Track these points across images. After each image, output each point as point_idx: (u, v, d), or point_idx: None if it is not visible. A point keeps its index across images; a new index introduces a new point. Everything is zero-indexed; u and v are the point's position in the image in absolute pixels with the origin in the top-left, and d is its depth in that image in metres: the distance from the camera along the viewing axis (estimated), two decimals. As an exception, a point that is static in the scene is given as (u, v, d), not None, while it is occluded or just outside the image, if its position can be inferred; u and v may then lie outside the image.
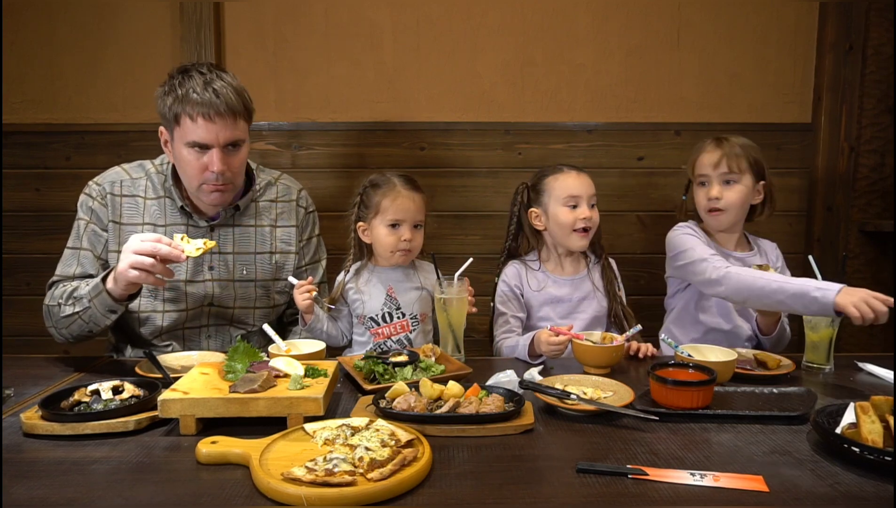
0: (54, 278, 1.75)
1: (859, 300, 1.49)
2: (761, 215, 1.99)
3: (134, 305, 1.75)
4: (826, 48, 2.48)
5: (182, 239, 1.53)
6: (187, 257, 1.50)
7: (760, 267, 1.76)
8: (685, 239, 1.93)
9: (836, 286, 1.54)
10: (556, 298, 1.96)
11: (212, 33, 2.42)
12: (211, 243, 1.54)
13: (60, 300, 1.65)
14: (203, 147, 1.65)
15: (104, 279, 1.57)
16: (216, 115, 1.61)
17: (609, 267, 2.04)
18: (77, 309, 1.61)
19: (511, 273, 1.99)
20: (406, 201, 1.82)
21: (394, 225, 1.82)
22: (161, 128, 1.72)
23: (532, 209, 1.99)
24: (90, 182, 1.80)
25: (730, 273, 1.73)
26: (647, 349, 1.75)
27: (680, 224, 2.02)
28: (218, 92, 1.62)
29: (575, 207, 1.92)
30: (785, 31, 2.51)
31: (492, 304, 2.01)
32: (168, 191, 1.79)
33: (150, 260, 1.46)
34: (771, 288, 1.65)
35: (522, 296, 1.97)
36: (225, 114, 1.62)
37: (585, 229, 1.93)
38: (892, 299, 1.49)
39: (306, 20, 2.48)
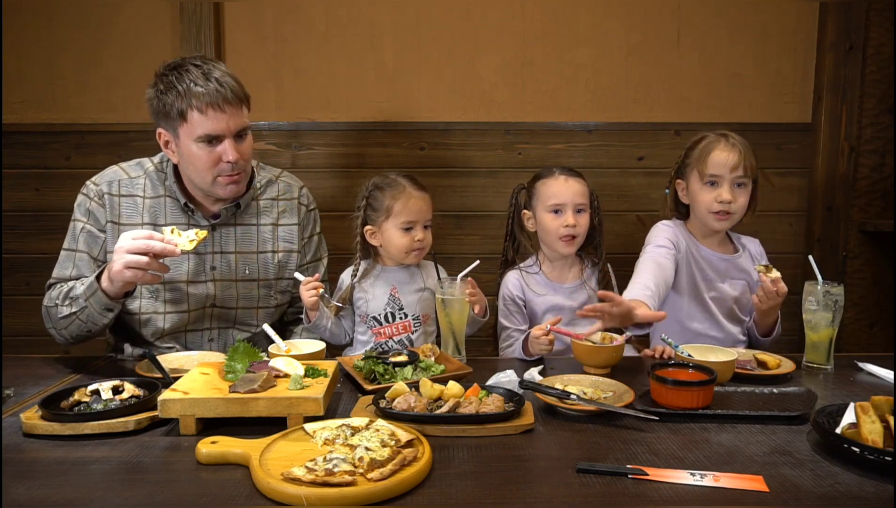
0: (51, 281, 1.74)
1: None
2: (747, 215, 1.90)
3: (135, 306, 1.75)
4: (826, 48, 2.48)
5: (172, 232, 1.51)
6: (181, 250, 1.48)
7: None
8: (655, 234, 1.91)
9: None
10: (557, 306, 1.92)
11: (212, 33, 2.42)
12: (203, 234, 1.52)
13: (58, 301, 1.64)
14: (214, 139, 1.63)
15: (98, 278, 1.55)
16: (225, 103, 1.60)
17: (607, 275, 1.99)
18: (74, 309, 1.60)
19: (512, 283, 1.96)
20: (418, 202, 1.83)
21: (408, 228, 1.82)
22: (160, 130, 1.70)
23: (525, 211, 1.99)
24: (87, 182, 1.78)
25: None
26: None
27: (664, 222, 1.96)
28: (221, 81, 1.61)
29: (558, 212, 1.89)
30: (785, 31, 2.51)
31: (497, 314, 2.00)
32: (169, 190, 1.77)
33: (145, 258, 1.45)
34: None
35: (525, 306, 1.95)
36: (232, 101, 1.62)
37: (572, 236, 1.89)
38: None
39: (306, 20, 2.48)
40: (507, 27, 2.49)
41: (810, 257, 1.71)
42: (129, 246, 1.45)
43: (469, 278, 1.70)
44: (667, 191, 2.02)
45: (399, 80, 2.52)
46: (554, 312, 1.91)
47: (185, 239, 1.50)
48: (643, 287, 1.69)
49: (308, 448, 1.08)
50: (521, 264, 2.00)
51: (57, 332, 1.69)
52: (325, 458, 1.00)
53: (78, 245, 1.74)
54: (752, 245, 2.02)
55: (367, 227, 1.87)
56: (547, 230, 1.92)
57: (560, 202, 1.89)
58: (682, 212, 1.99)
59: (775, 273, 1.71)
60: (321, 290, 1.73)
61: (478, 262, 1.74)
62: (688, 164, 1.92)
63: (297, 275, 1.78)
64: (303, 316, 1.81)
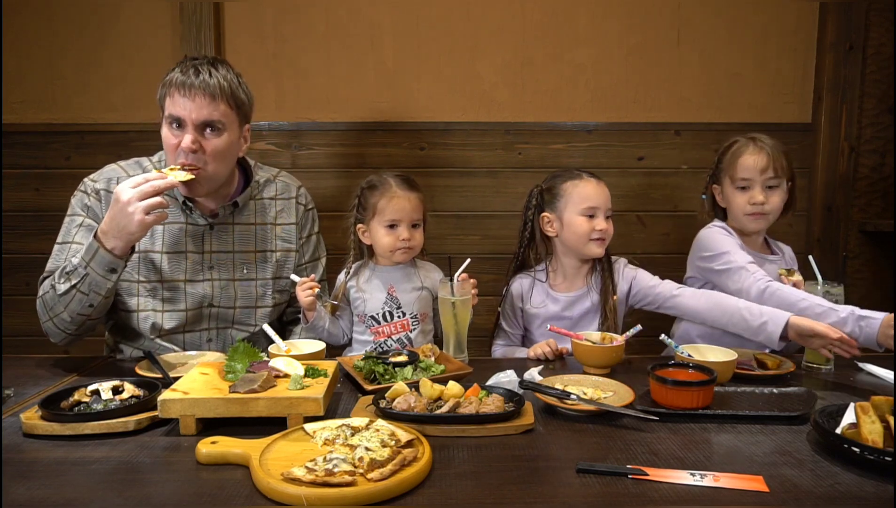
0: (44, 275, 1.71)
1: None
2: (785, 215, 1.94)
3: (133, 303, 1.74)
4: (826, 48, 2.48)
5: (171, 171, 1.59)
6: (179, 181, 1.57)
7: (789, 271, 1.74)
8: (723, 241, 1.88)
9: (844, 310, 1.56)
10: (556, 315, 1.91)
11: (212, 33, 2.42)
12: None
13: (53, 282, 1.61)
14: (179, 123, 1.64)
15: (95, 239, 1.54)
16: (192, 92, 1.62)
17: (609, 275, 1.92)
18: (73, 281, 1.57)
19: (516, 290, 1.95)
20: (401, 201, 1.82)
21: (391, 225, 1.82)
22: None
23: (544, 214, 1.92)
24: (85, 179, 1.77)
25: (771, 289, 1.70)
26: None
27: (715, 223, 1.96)
28: (200, 73, 1.63)
29: (592, 217, 1.85)
30: (785, 31, 2.51)
31: (498, 309, 2.00)
32: None
33: (158, 198, 1.50)
34: (805, 306, 1.62)
35: (522, 313, 1.95)
36: (201, 92, 1.62)
37: (603, 240, 1.87)
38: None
39: (306, 20, 2.48)
40: (507, 27, 2.49)
41: (810, 258, 1.72)
42: (137, 194, 1.49)
43: (465, 274, 1.70)
44: (703, 197, 2.05)
45: (399, 80, 2.52)
46: (553, 321, 1.90)
47: (181, 175, 1.58)
48: (818, 305, 1.63)
49: (308, 448, 1.08)
50: (533, 269, 1.96)
51: (54, 324, 1.64)
52: (325, 458, 1.00)
53: (74, 238, 1.72)
54: (787, 251, 2.05)
55: (359, 225, 1.88)
56: (578, 233, 1.85)
57: (594, 205, 1.85)
58: (720, 215, 2.02)
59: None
60: (317, 290, 1.74)
61: (469, 260, 1.73)
62: (721, 169, 1.96)
63: (293, 276, 1.78)
64: (300, 316, 1.81)
